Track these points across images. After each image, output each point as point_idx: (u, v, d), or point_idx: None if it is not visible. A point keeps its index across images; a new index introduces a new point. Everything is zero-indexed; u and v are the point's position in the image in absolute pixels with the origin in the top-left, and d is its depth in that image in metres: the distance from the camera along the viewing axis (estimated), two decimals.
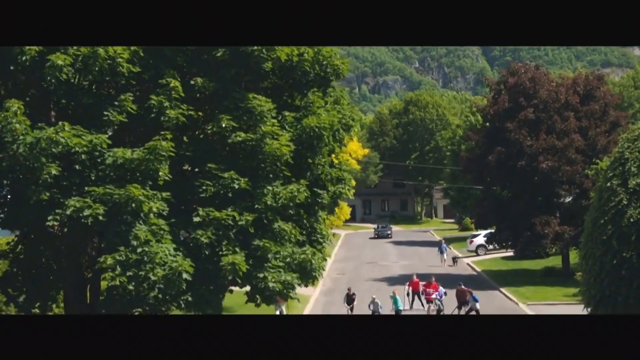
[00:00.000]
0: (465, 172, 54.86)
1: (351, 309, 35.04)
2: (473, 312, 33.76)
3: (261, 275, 17.16)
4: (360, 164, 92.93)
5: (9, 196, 17.91)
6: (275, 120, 17.73)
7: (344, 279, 51.50)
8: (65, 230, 16.99)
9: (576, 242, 39.37)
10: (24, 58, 15.86)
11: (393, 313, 34.01)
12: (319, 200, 19.22)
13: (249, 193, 17.34)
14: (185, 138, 17.96)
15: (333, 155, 19.96)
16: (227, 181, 17.14)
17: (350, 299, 35.59)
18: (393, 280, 47.52)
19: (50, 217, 15.53)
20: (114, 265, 15.35)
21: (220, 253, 16.68)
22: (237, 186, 17.13)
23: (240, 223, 16.88)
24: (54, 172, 15.40)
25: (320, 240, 20.44)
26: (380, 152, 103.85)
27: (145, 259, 15.47)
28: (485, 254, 61.62)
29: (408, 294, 38.71)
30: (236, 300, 40.07)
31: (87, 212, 15.37)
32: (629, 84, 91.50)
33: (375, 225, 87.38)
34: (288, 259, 17.64)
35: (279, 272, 17.45)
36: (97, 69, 16.31)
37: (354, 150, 54.99)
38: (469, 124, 69.57)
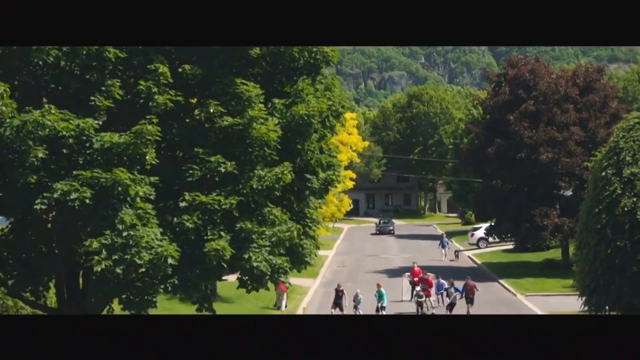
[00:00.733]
0: (465, 164, 54.89)
1: (341, 309, 33.59)
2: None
3: (246, 256, 17.19)
4: (363, 158, 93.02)
5: None
6: (262, 105, 17.79)
7: (344, 271, 51.67)
8: (54, 213, 17.08)
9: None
10: None
11: (375, 308, 33.11)
12: (309, 185, 19.27)
13: (235, 177, 17.40)
14: (173, 123, 18.00)
15: (323, 142, 19.99)
16: (213, 165, 17.19)
17: (338, 295, 34.02)
18: (393, 273, 47.65)
19: (37, 201, 15.61)
20: (99, 249, 15.41)
21: (206, 238, 16.74)
22: (223, 170, 17.18)
23: (224, 207, 16.94)
24: (40, 155, 15.48)
25: (311, 225, 20.45)
26: (383, 146, 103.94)
27: (131, 242, 15.52)
28: (487, 246, 61.75)
29: (411, 283, 38.75)
30: (235, 292, 40.33)
31: (74, 196, 15.45)
32: (633, 78, 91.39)
33: (376, 220, 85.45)
34: (273, 238, 17.64)
35: (264, 251, 17.45)
36: (84, 52, 16.41)
37: (354, 142, 54.98)
38: (471, 118, 69.54)
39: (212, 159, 17.31)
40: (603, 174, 28.44)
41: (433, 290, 36.64)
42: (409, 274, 39.83)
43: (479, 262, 54.63)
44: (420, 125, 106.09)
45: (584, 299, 28.97)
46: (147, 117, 16.48)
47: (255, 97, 17.63)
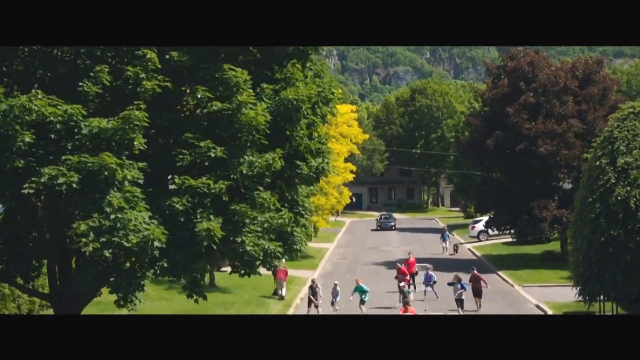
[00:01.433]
0: (464, 156, 54.96)
1: (315, 306, 32.60)
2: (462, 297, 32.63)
3: (238, 239, 17.29)
4: (366, 151, 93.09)
5: None
6: (251, 91, 17.89)
7: (344, 263, 51.82)
8: (42, 198, 17.22)
9: None
10: None
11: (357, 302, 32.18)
12: (298, 172, 19.36)
13: (225, 162, 17.51)
14: (163, 110, 18.10)
15: (313, 129, 20.06)
16: (203, 150, 17.31)
17: (314, 292, 33.00)
18: (392, 265, 47.67)
19: (25, 186, 15.73)
20: (87, 232, 15.53)
21: (195, 220, 16.86)
22: (213, 155, 17.29)
23: (213, 190, 17.05)
24: (27, 139, 15.60)
25: (303, 212, 20.56)
26: (386, 140, 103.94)
27: (119, 225, 15.65)
28: (487, 239, 61.83)
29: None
30: (233, 282, 40.50)
31: (61, 180, 15.57)
32: (637, 72, 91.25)
33: (377, 216, 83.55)
34: (265, 224, 17.74)
35: (257, 236, 17.57)
36: None
37: (355, 135, 55.05)
38: (473, 111, 69.54)
39: (202, 143, 17.42)
40: (597, 163, 28.55)
41: (420, 280, 36.98)
42: (403, 263, 39.90)
43: (478, 254, 54.74)
44: (423, 119, 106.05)
45: (578, 288, 29.11)
46: (135, 102, 16.58)
47: (244, 83, 17.71)
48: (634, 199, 26.95)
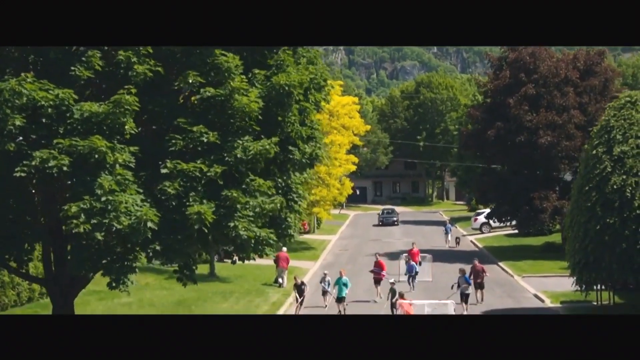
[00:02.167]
0: (465, 147, 55.01)
1: (301, 303, 30.95)
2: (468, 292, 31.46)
3: (231, 224, 17.40)
4: (370, 145, 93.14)
5: None
6: (243, 77, 18.00)
7: (345, 255, 51.99)
8: (34, 182, 17.37)
9: None
10: None
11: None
12: (291, 157, 19.46)
13: (218, 147, 17.62)
14: (155, 95, 18.22)
15: (305, 115, 20.13)
16: (196, 135, 17.42)
17: (300, 289, 31.31)
18: (393, 256, 47.78)
19: (17, 169, 15.88)
20: (78, 213, 15.66)
21: (187, 204, 16.98)
22: (205, 139, 17.40)
23: (208, 174, 17.17)
24: (18, 123, 15.74)
25: (297, 199, 20.65)
26: (391, 133, 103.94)
27: (110, 207, 15.79)
28: (490, 231, 61.90)
29: (407, 262, 38.90)
30: (233, 272, 40.71)
31: (52, 163, 15.70)
32: None
33: (379, 210, 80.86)
34: (257, 209, 17.84)
35: (250, 221, 17.67)
36: None
37: (356, 126, 55.06)
38: (476, 103, 69.54)
39: (195, 128, 17.53)
40: (594, 152, 28.61)
41: (402, 272, 36.32)
42: (406, 254, 40.02)
43: (480, 246, 54.82)
44: (428, 112, 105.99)
45: (575, 277, 29.19)
46: (126, 87, 16.71)
47: (235, 68, 17.82)
48: (630, 188, 27.00)
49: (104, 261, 17.29)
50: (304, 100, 19.51)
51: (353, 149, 63.67)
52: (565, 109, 46.22)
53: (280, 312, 31.25)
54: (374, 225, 74.70)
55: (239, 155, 17.55)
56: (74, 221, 15.70)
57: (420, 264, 39.21)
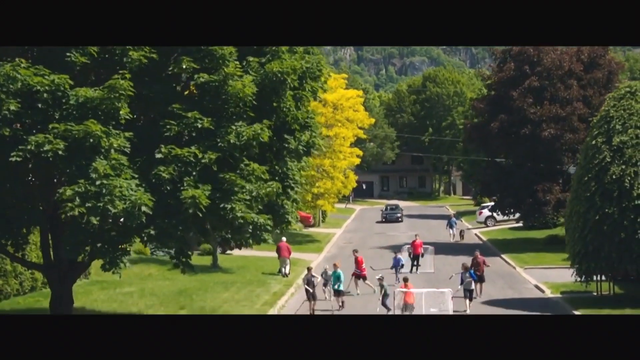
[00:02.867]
0: (469, 140, 54.99)
1: (313, 297, 29.27)
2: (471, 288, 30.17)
3: (228, 206, 17.53)
4: (377, 139, 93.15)
5: None
6: (237, 63, 18.14)
7: (349, 247, 51.97)
8: (30, 166, 17.54)
9: None
10: None
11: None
12: (286, 145, 19.59)
13: (212, 133, 17.76)
14: (150, 81, 18.37)
15: (301, 103, 20.24)
16: (190, 120, 17.57)
17: (310, 283, 29.66)
18: (397, 248, 47.82)
19: (13, 154, 16.07)
20: (72, 197, 15.85)
21: (182, 188, 17.13)
22: (200, 125, 17.55)
23: (203, 161, 17.31)
24: (13, 108, 15.94)
25: (293, 186, 20.78)
26: (398, 128, 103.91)
27: (104, 191, 15.96)
28: (494, 225, 61.90)
29: (410, 254, 38.87)
30: (236, 263, 40.89)
31: (47, 147, 15.90)
32: None
33: (383, 206, 78.83)
34: (254, 193, 17.97)
35: (246, 205, 17.80)
36: None
37: (361, 119, 55.08)
38: (480, 96, 69.48)
39: (189, 114, 17.68)
40: (593, 142, 28.63)
41: (385, 265, 35.72)
42: (409, 245, 40.06)
43: (484, 239, 54.84)
44: (434, 107, 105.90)
45: (575, 267, 29.23)
46: (120, 72, 16.87)
47: (229, 55, 17.96)
48: (629, 178, 27.02)
49: (98, 244, 17.46)
50: (299, 88, 19.64)
51: (359, 143, 63.64)
52: (568, 102, 46.18)
53: (281, 301, 31.33)
54: (377, 222, 72.99)
55: (232, 141, 17.68)
56: (69, 204, 15.88)
57: (422, 255, 39.26)
